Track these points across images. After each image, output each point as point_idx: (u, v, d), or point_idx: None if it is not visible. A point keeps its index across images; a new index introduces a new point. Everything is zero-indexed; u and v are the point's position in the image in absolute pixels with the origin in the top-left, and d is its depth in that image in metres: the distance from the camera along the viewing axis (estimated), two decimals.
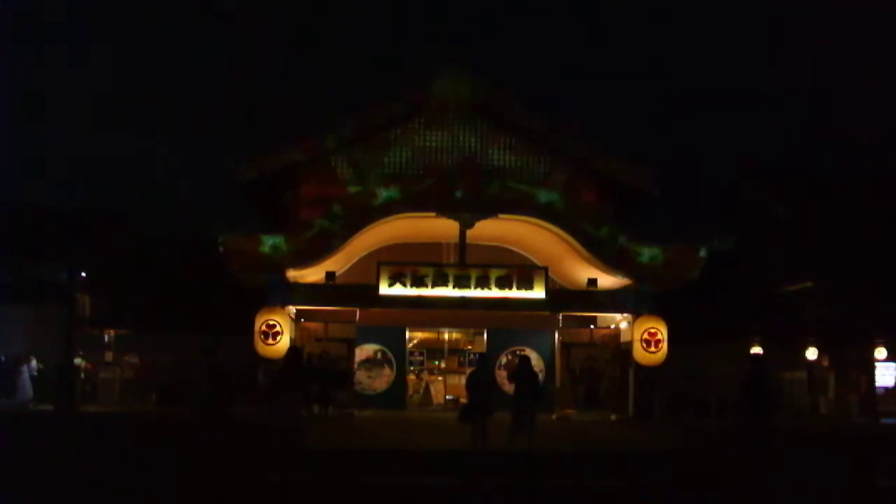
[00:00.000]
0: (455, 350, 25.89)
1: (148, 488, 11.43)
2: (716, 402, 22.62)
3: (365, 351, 23.39)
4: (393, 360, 23.53)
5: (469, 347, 25.55)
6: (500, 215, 21.20)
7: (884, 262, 24.05)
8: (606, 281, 22.14)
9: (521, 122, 23.66)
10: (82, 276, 23.12)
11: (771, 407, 14.08)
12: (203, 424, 19.21)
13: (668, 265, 21.33)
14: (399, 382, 23.61)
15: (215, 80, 75.05)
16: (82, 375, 23.73)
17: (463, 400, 18.52)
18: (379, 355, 23.54)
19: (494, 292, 21.23)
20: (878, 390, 24.03)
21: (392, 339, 23.61)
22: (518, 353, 22.34)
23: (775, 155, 62.34)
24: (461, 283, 21.19)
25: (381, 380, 23.46)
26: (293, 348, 19.62)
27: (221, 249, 20.41)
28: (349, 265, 22.99)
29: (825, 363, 24.56)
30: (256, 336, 20.62)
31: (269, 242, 20.75)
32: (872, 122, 64.65)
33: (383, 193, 21.17)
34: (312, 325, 22.77)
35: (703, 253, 21.26)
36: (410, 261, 21.68)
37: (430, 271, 21.25)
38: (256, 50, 73.80)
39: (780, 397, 17.91)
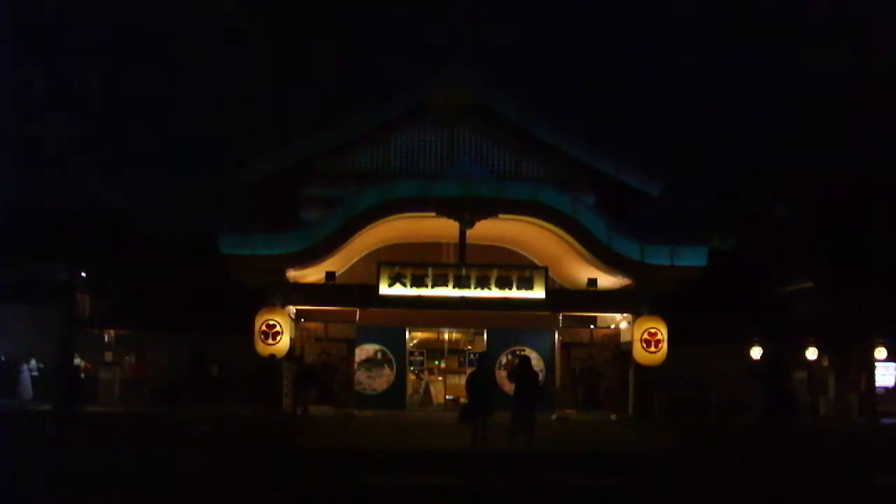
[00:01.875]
0: (455, 350, 25.88)
1: (139, 487, 11.44)
2: (716, 403, 22.62)
3: (365, 351, 23.37)
4: (393, 360, 23.52)
5: (469, 347, 25.53)
6: (500, 215, 21.19)
7: (884, 262, 24.03)
8: (606, 281, 22.13)
9: (520, 122, 23.66)
10: (82, 276, 23.10)
11: (794, 409, 13.89)
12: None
13: (668, 267, 21.29)
14: (399, 382, 23.59)
15: (215, 79, 75.05)
16: (82, 375, 23.72)
17: (463, 400, 18.52)
18: (379, 355, 23.54)
19: (494, 292, 21.21)
20: (878, 390, 24.01)
21: (392, 339, 23.60)
22: (518, 353, 22.33)
23: (775, 155, 62.40)
24: (461, 283, 21.17)
25: (381, 380, 23.45)
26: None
27: (221, 250, 20.40)
28: (349, 265, 22.99)
29: (825, 363, 24.55)
30: (256, 336, 20.62)
31: (269, 242, 20.74)
32: (872, 121, 64.67)
33: (383, 193, 21.13)
34: (312, 325, 22.76)
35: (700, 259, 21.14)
36: (410, 261, 21.67)
37: (430, 271, 21.24)
38: (256, 49, 73.83)
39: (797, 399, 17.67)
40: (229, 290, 21.69)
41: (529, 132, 23.43)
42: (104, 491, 11.30)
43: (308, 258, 20.86)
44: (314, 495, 11.35)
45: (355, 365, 22.86)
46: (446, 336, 25.76)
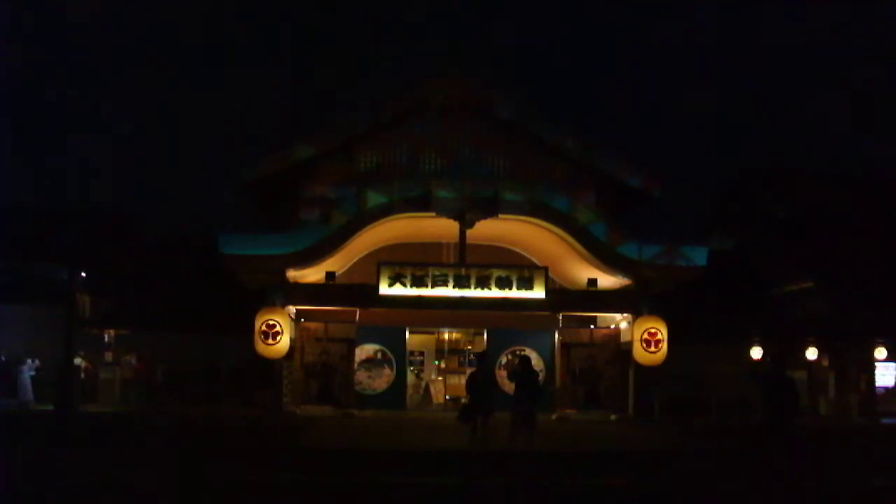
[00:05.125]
0: (455, 350, 25.88)
1: (139, 487, 11.44)
2: (716, 402, 22.60)
3: (365, 351, 23.38)
4: (393, 360, 23.52)
5: (469, 347, 25.54)
6: (500, 215, 21.20)
7: (884, 262, 24.04)
8: (606, 281, 22.13)
9: (520, 122, 23.64)
10: (82, 276, 23.08)
11: (796, 409, 13.87)
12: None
13: (668, 267, 21.29)
14: (399, 382, 23.59)
15: (215, 79, 75.08)
16: (82, 375, 23.72)
17: (463, 400, 18.51)
18: (379, 355, 23.54)
19: (494, 292, 21.22)
20: (878, 390, 24.02)
21: (392, 339, 23.60)
22: (518, 353, 22.32)
23: (775, 155, 62.41)
24: (461, 283, 21.19)
25: (381, 380, 23.45)
26: None
27: (221, 249, 20.40)
28: (349, 265, 22.99)
29: (825, 363, 24.55)
30: (256, 336, 20.62)
31: (269, 242, 20.73)
32: (872, 121, 64.66)
33: (383, 193, 21.14)
34: (312, 325, 22.76)
35: (700, 259, 21.21)
36: (410, 261, 21.68)
37: (430, 271, 21.25)
38: (255, 49, 73.85)
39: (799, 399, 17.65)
40: (229, 290, 21.68)
41: (529, 131, 23.41)
42: (103, 491, 11.29)
43: (308, 258, 20.87)
44: (314, 495, 11.34)
45: (355, 365, 22.86)
46: (446, 336, 25.77)
